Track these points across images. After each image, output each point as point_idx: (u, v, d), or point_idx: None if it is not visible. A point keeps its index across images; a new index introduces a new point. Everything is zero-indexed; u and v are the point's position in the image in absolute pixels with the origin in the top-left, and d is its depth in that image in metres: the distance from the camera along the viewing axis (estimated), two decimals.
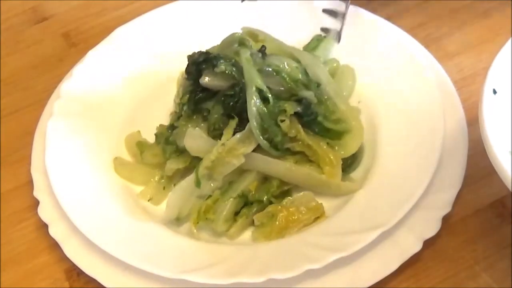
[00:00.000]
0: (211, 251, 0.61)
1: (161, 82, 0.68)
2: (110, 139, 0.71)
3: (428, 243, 0.60)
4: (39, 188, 0.67)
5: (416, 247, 0.60)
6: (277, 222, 0.62)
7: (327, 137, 0.65)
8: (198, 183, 0.63)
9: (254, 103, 0.63)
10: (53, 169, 0.66)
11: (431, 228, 0.60)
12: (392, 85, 0.70)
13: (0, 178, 0.72)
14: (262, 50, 0.67)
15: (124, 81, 0.75)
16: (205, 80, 0.65)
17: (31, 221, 0.68)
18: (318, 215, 0.63)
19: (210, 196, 0.64)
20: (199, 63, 0.66)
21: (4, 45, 0.87)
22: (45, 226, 0.65)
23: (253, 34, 0.71)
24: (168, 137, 0.68)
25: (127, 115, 0.73)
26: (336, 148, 0.65)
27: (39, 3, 0.91)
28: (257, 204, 0.64)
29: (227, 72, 0.64)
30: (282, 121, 0.63)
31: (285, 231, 0.63)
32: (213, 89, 0.66)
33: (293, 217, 0.63)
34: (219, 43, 0.69)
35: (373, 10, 0.76)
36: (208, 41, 0.69)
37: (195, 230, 0.63)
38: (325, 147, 0.64)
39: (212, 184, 0.64)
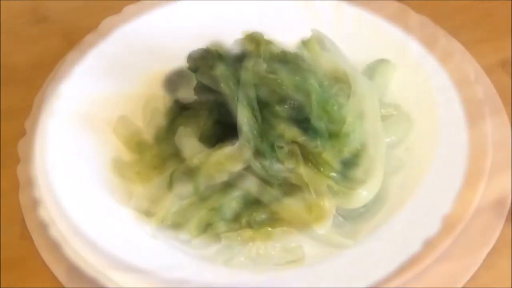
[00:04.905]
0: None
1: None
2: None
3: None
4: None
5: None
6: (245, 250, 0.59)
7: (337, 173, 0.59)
8: (170, 186, 0.61)
9: (246, 121, 0.58)
10: (53, 169, 0.66)
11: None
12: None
13: (0, 178, 0.72)
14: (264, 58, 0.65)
15: (124, 81, 0.75)
16: (181, 95, 0.65)
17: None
18: (293, 259, 0.58)
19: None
20: (174, 80, 0.66)
21: (4, 45, 0.87)
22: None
23: (254, 38, 0.71)
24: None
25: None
26: (341, 196, 0.59)
27: (39, 3, 0.91)
28: (232, 223, 0.61)
29: (203, 85, 0.62)
30: (280, 147, 0.57)
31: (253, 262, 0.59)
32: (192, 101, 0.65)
33: (263, 251, 0.59)
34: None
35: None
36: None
37: (155, 225, 0.61)
38: (323, 188, 0.58)
39: (190, 189, 0.61)
